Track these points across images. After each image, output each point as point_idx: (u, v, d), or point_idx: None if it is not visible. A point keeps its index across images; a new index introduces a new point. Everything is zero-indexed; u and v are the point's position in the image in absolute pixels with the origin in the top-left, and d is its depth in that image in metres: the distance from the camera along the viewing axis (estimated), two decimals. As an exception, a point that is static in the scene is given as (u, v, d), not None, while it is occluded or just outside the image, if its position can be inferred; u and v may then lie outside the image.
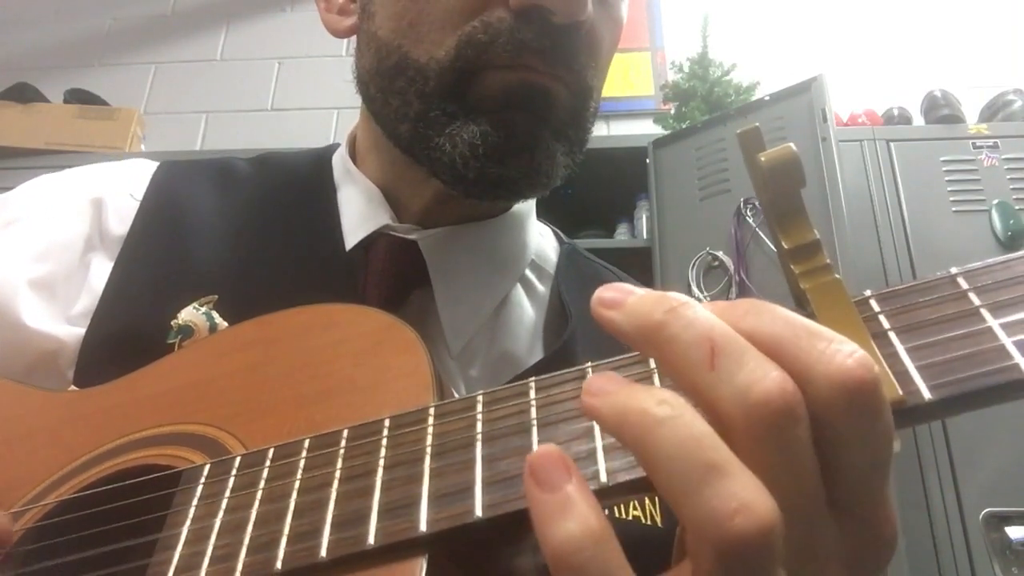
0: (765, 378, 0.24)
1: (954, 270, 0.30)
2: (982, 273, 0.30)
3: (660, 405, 0.25)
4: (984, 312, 0.28)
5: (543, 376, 0.33)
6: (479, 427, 0.32)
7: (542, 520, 0.25)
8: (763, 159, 0.29)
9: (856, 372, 0.24)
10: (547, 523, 0.25)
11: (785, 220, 0.30)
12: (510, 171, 0.52)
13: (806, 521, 0.25)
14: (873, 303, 0.30)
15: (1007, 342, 0.27)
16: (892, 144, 2.00)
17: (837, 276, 0.29)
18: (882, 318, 0.30)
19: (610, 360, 0.32)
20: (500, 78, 0.51)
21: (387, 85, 0.54)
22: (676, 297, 0.27)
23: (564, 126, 0.54)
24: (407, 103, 0.53)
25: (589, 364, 0.32)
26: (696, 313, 0.27)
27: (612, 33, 0.57)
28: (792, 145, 0.29)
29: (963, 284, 0.29)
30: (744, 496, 0.23)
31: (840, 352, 0.25)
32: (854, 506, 0.27)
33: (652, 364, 0.31)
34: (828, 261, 0.29)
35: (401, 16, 0.53)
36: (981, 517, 1.54)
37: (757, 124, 0.30)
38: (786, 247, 0.30)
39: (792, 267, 0.30)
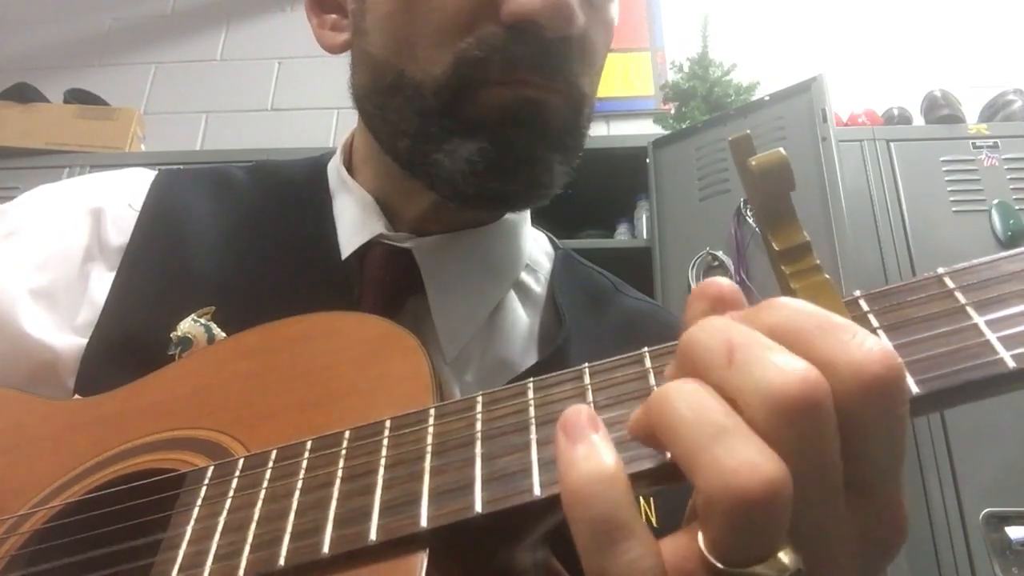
0: (785, 368, 0.25)
1: (941, 270, 0.31)
2: (967, 272, 0.30)
3: (673, 383, 0.27)
4: (970, 309, 0.29)
5: (541, 376, 0.33)
6: (479, 426, 0.32)
7: (564, 466, 0.27)
8: (753, 163, 0.30)
9: (882, 361, 0.25)
10: (567, 467, 0.26)
11: (775, 223, 0.31)
12: (509, 186, 0.53)
13: (822, 503, 0.26)
14: (862, 303, 0.31)
15: (992, 337, 0.28)
16: (892, 144, 2.00)
17: (826, 276, 0.30)
18: (871, 317, 0.30)
19: (608, 360, 0.32)
20: (496, 94, 0.51)
21: (384, 103, 0.55)
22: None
23: (560, 136, 0.54)
24: (406, 120, 0.53)
25: (587, 365, 0.33)
26: (714, 319, 0.28)
27: (604, 36, 0.57)
28: (781, 149, 0.30)
29: (949, 283, 0.30)
30: (750, 455, 0.24)
31: (865, 343, 0.26)
32: (871, 491, 0.27)
33: (648, 364, 0.32)
34: (818, 262, 0.30)
35: (395, 34, 0.53)
36: (981, 517, 1.55)
37: (748, 131, 0.31)
38: (777, 249, 0.31)
39: (783, 268, 0.31)
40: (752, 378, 0.25)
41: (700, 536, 0.25)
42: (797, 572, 0.24)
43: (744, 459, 0.24)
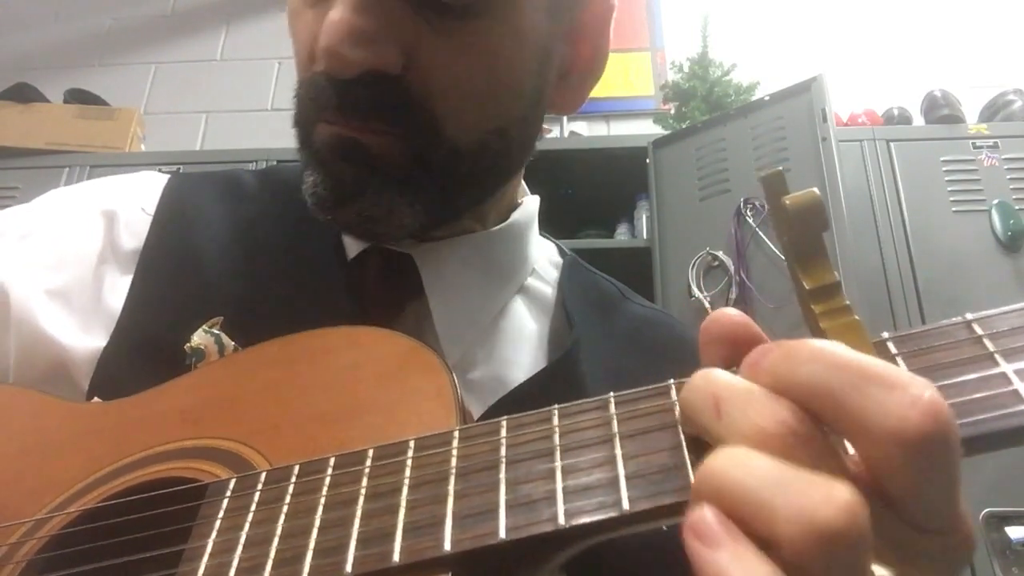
0: (772, 416, 0.26)
1: (969, 316, 0.31)
2: (996, 319, 0.30)
3: (707, 460, 0.26)
4: (998, 357, 0.29)
5: (566, 404, 0.33)
6: (503, 451, 0.32)
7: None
8: (788, 202, 0.30)
9: (926, 416, 0.24)
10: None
11: (807, 262, 0.31)
12: (340, 219, 0.53)
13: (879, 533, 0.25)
14: (891, 345, 0.31)
15: (1020, 387, 0.28)
16: (892, 144, 2.01)
17: (856, 317, 0.30)
18: (899, 360, 0.30)
19: (633, 391, 0.32)
20: (324, 131, 0.52)
21: None
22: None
23: (402, 173, 0.52)
24: None
25: (611, 395, 0.33)
26: (705, 372, 0.29)
27: (471, 64, 0.51)
28: (816, 189, 0.30)
29: (977, 330, 0.30)
30: (821, 489, 0.23)
31: (901, 402, 0.24)
32: (930, 527, 0.27)
33: (674, 396, 0.31)
34: (848, 302, 0.30)
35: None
36: (981, 517, 1.55)
37: (781, 168, 0.31)
38: (807, 288, 0.30)
39: (812, 307, 0.30)
40: (737, 431, 0.26)
41: None
42: None
43: (819, 494, 0.23)
